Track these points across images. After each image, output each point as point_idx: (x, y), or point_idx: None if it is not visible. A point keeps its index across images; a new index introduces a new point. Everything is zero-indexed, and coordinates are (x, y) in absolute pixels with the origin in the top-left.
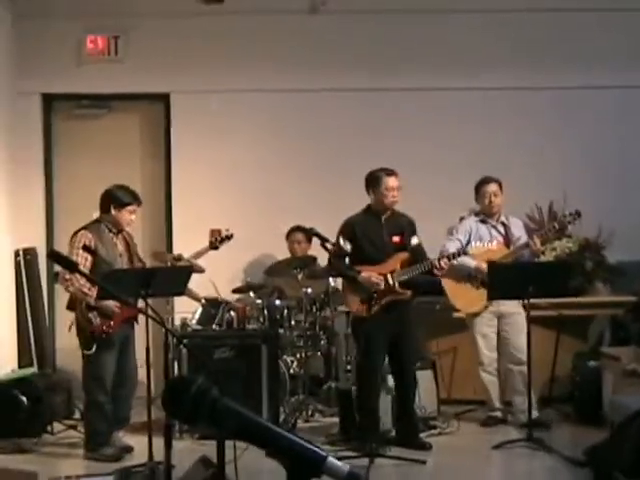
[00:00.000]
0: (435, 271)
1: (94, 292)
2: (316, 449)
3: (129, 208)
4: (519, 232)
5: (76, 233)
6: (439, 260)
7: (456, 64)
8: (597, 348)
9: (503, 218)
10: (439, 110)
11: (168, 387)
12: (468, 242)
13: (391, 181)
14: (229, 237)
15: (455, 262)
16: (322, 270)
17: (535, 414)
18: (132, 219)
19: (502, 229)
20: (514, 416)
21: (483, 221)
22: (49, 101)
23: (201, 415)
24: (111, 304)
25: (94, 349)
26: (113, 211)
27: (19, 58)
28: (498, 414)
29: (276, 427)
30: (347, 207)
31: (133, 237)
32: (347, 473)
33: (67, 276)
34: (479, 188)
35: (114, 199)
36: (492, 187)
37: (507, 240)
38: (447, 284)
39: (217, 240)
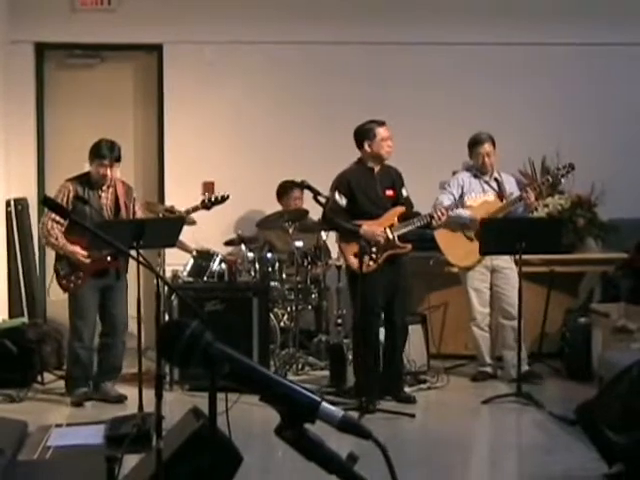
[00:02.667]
0: (433, 223)
1: (61, 241)
2: (310, 394)
3: (102, 162)
4: (512, 188)
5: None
6: (436, 211)
7: (450, 19)
8: (587, 304)
9: (496, 174)
10: (433, 64)
11: (162, 330)
12: (461, 196)
13: (384, 131)
14: (224, 199)
15: (450, 214)
16: (317, 224)
17: (526, 367)
18: (104, 173)
19: (495, 185)
20: (504, 371)
21: (476, 176)
22: (41, 50)
23: (195, 358)
24: (76, 252)
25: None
26: (92, 163)
27: (12, 7)
28: (488, 369)
29: (269, 372)
30: (340, 160)
31: (131, 190)
32: (341, 418)
33: (44, 221)
34: (473, 146)
35: (93, 151)
36: (486, 147)
37: (500, 196)
38: (440, 237)
39: (210, 201)
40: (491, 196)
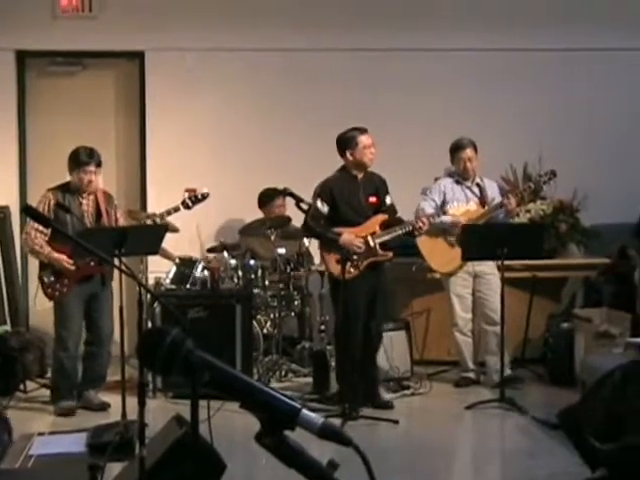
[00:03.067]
0: (415, 232)
1: (46, 250)
2: (290, 401)
3: (85, 169)
4: (494, 194)
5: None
6: (418, 220)
7: (437, 25)
8: (570, 310)
9: (478, 179)
10: (417, 71)
11: (143, 338)
12: (443, 202)
13: (366, 139)
14: (204, 197)
15: (432, 220)
16: (300, 230)
17: (508, 372)
18: (90, 179)
19: (477, 190)
20: (487, 376)
21: (458, 182)
22: (22, 58)
23: (175, 366)
24: (61, 259)
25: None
26: (74, 172)
27: None
28: (471, 375)
29: (250, 379)
30: (323, 167)
31: (112, 198)
32: (320, 425)
33: (27, 230)
34: (454, 152)
35: (72, 160)
36: (467, 153)
37: (483, 201)
38: (422, 244)
39: (190, 200)
40: (473, 205)
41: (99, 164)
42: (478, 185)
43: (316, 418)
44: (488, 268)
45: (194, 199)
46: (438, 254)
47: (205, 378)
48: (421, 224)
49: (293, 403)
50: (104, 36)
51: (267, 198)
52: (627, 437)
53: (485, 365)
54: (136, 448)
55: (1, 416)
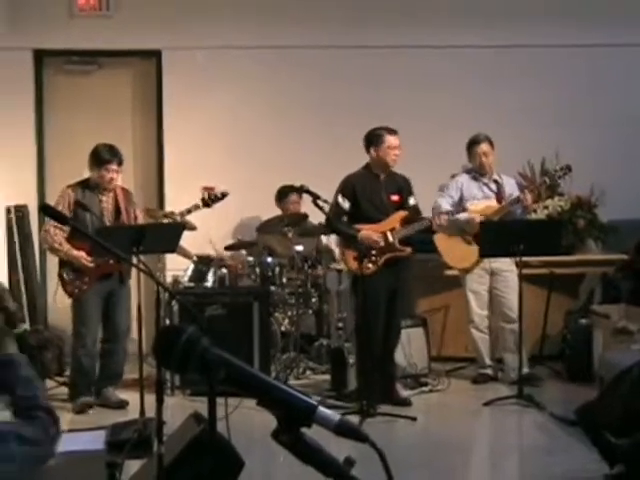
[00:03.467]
0: (434, 227)
1: (65, 247)
2: (307, 398)
3: (107, 167)
4: (512, 190)
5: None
6: (436, 217)
7: (447, 21)
8: (588, 306)
9: (496, 176)
10: (432, 67)
11: (159, 335)
12: (460, 199)
13: (393, 140)
14: (224, 195)
15: (450, 217)
16: (317, 228)
17: (526, 370)
18: (112, 177)
19: (494, 187)
20: (504, 373)
21: (475, 178)
22: (40, 57)
23: (191, 364)
24: (80, 257)
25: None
26: (95, 170)
27: (10, 14)
28: (489, 371)
29: (266, 376)
30: (339, 164)
31: (131, 195)
32: (337, 422)
33: (46, 227)
34: (470, 148)
35: (94, 158)
36: (483, 147)
37: (500, 198)
38: (439, 240)
39: (210, 198)
40: (493, 201)
41: (121, 162)
42: (496, 181)
43: (332, 415)
44: (505, 265)
45: (214, 197)
46: (454, 251)
47: (221, 375)
48: (437, 220)
49: (310, 400)
50: (121, 35)
51: (282, 195)
52: None
53: (503, 362)
54: (154, 445)
55: (47, 407)
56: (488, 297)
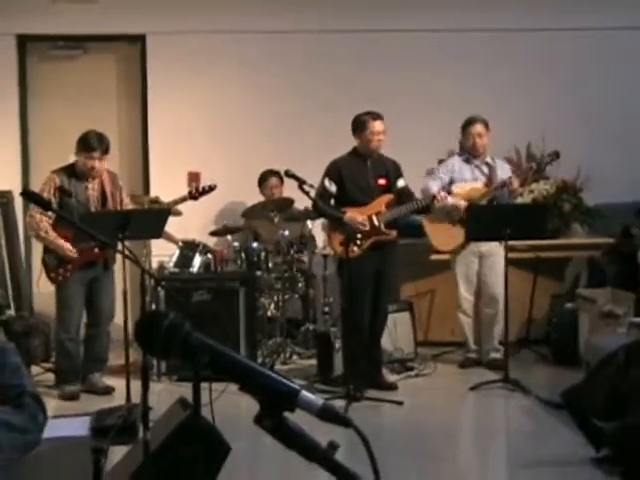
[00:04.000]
0: (435, 203)
1: (51, 235)
2: (289, 383)
3: (92, 154)
4: (504, 174)
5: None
6: (434, 196)
7: (434, 5)
8: (574, 290)
9: (488, 159)
10: (418, 52)
11: (140, 321)
12: (451, 181)
13: (377, 125)
14: (211, 189)
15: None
16: (303, 213)
17: (495, 355)
18: (93, 165)
19: (486, 169)
20: (480, 355)
21: (467, 160)
22: (23, 42)
23: (174, 349)
24: (65, 247)
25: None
26: (80, 155)
27: None
28: (473, 355)
29: (249, 361)
30: (326, 149)
31: (116, 178)
32: (320, 406)
33: (31, 213)
34: (465, 128)
35: (81, 143)
36: (477, 128)
37: (490, 181)
38: (426, 222)
39: (197, 191)
40: (479, 184)
41: (106, 151)
42: (487, 164)
43: (315, 399)
44: (494, 249)
45: (202, 190)
46: (440, 233)
47: (204, 361)
48: (442, 196)
49: (292, 385)
50: (105, 20)
51: (263, 179)
52: (630, 417)
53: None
54: (140, 431)
55: (35, 394)
56: (477, 281)
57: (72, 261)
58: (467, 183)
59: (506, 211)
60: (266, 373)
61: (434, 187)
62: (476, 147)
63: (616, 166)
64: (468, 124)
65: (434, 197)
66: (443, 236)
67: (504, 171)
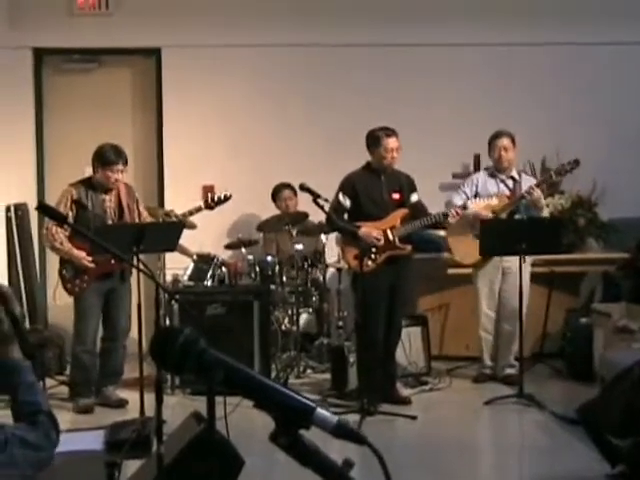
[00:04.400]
0: (449, 219)
1: (67, 246)
2: (305, 400)
3: (113, 167)
4: None
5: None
6: (450, 211)
7: (444, 19)
8: (588, 304)
9: (514, 173)
10: (432, 66)
11: (155, 337)
12: (475, 195)
13: (391, 142)
14: (226, 198)
15: (463, 212)
16: (317, 226)
17: (511, 371)
18: (117, 178)
19: (511, 184)
20: (495, 371)
21: (492, 175)
22: (40, 55)
23: (188, 365)
24: (81, 257)
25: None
26: (99, 170)
27: (10, 13)
28: (488, 371)
29: (264, 378)
30: (340, 163)
31: (133, 190)
32: (336, 423)
33: (48, 226)
34: (491, 141)
35: (99, 158)
36: (503, 141)
37: (514, 195)
38: (449, 235)
39: (213, 200)
40: (495, 200)
41: (126, 162)
42: (512, 178)
43: (330, 417)
44: (515, 265)
45: (217, 200)
46: (461, 246)
47: (219, 377)
48: (454, 213)
49: (307, 402)
50: (120, 33)
51: (276, 192)
52: None
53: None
54: (154, 445)
55: (49, 412)
56: (498, 298)
57: (89, 272)
58: (490, 197)
59: (521, 226)
60: (281, 390)
61: (459, 201)
62: (501, 161)
63: (631, 181)
64: (494, 138)
65: (445, 215)
66: (465, 249)
67: (529, 184)
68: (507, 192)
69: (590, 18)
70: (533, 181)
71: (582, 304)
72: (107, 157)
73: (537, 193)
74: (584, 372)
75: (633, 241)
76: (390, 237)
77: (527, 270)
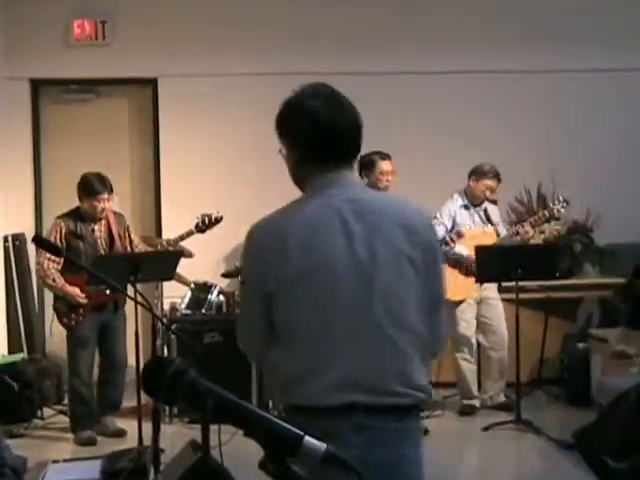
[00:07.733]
0: (450, 246)
1: (60, 283)
2: (293, 429)
3: (97, 197)
4: (496, 218)
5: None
6: (456, 235)
7: (439, 47)
8: (586, 330)
9: (485, 204)
10: (425, 94)
11: (145, 370)
12: (452, 227)
13: (385, 165)
14: (217, 221)
15: (448, 249)
16: None
17: (502, 399)
18: (102, 207)
19: (483, 214)
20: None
21: (466, 207)
22: (37, 86)
23: (179, 396)
24: (74, 293)
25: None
26: (85, 200)
27: (7, 43)
28: (475, 402)
29: (253, 407)
30: None
31: (123, 218)
32: (324, 452)
33: (39, 260)
34: (478, 177)
35: (84, 188)
36: (490, 183)
37: (490, 224)
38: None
39: (204, 223)
40: (490, 227)
41: (111, 190)
42: (485, 210)
43: (319, 445)
44: (493, 293)
45: (208, 223)
46: (450, 281)
47: (209, 406)
48: (455, 237)
49: (296, 430)
50: (117, 63)
51: None
52: None
53: (480, 388)
54: (151, 474)
55: (13, 467)
56: (479, 325)
57: (83, 305)
58: (476, 225)
59: (517, 252)
60: (270, 419)
61: (440, 233)
62: (481, 199)
63: (626, 206)
64: (483, 175)
65: (447, 242)
66: (453, 285)
67: (495, 215)
68: (480, 222)
69: (590, 45)
70: (496, 208)
71: (579, 329)
72: (92, 187)
73: (530, 231)
74: (581, 397)
75: (630, 266)
76: None
77: (499, 298)
